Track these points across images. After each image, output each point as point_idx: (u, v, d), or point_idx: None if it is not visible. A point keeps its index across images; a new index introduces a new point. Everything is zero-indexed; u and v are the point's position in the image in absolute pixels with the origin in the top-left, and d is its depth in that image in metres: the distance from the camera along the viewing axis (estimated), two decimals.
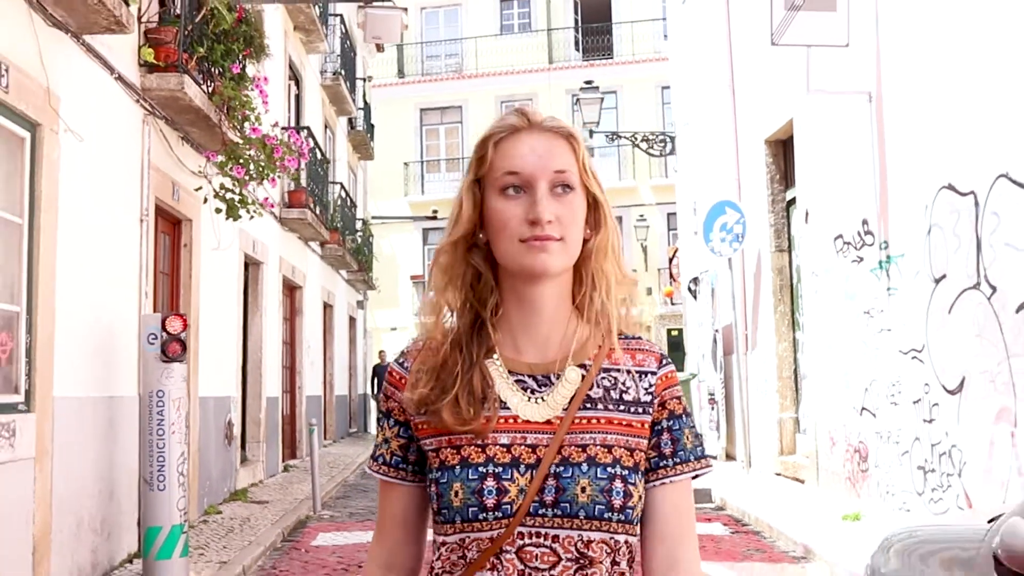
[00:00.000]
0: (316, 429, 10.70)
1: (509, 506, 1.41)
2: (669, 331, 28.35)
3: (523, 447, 1.44)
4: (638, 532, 1.49)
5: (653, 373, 1.53)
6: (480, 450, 1.44)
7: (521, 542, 1.41)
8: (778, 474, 11.55)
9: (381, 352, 23.96)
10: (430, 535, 1.53)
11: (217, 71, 8.75)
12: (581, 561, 1.41)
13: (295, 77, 15.11)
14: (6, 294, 5.85)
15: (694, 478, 1.54)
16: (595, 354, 1.51)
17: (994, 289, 6.78)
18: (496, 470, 1.42)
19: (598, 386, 1.49)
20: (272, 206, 10.69)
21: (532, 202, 1.43)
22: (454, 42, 31.81)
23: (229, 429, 10.75)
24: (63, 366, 6.39)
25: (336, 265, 19.30)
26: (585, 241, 1.50)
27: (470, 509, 1.41)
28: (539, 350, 1.50)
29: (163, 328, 6.98)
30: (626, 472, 1.44)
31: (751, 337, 12.56)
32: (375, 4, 10.35)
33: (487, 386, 1.47)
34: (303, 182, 13.72)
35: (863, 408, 9.18)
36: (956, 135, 7.28)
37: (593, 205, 1.50)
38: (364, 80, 22.28)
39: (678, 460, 1.52)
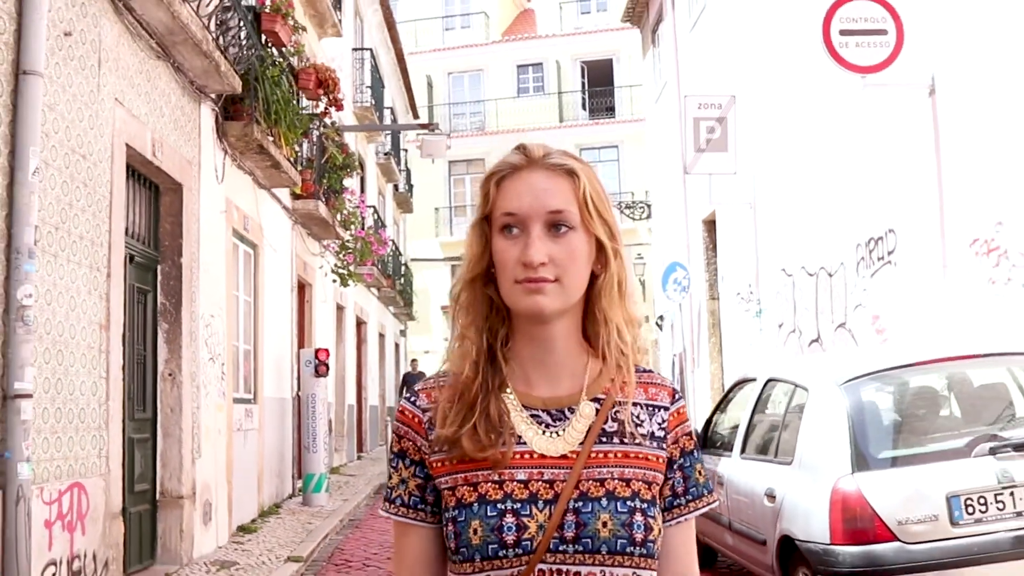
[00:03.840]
0: (390, 422, 15.63)
1: (529, 542, 1.39)
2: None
3: (540, 483, 1.42)
4: (656, 567, 1.46)
5: (666, 408, 1.52)
6: (497, 486, 1.42)
7: None
8: None
9: (414, 361, 27.65)
10: None
11: (333, 192, 13.73)
12: None
13: (361, 164, 20.12)
14: (248, 339, 10.82)
15: (702, 514, 1.53)
16: (608, 388, 1.49)
17: (801, 332, 11.62)
18: (515, 506, 1.40)
19: (613, 420, 1.47)
20: (372, 278, 15.69)
21: (526, 244, 1.41)
22: (477, 103, 36.77)
23: (330, 424, 15.67)
24: (265, 380, 11.34)
25: (387, 303, 24.27)
26: (597, 277, 1.48)
27: (490, 547, 1.39)
28: (551, 385, 1.49)
29: (316, 357, 11.95)
30: (645, 506, 1.43)
31: (696, 360, 17.36)
32: (428, 133, 15.24)
33: (504, 415, 1.45)
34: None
35: None
36: (787, 239, 12.13)
37: (600, 245, 1.47)
38: (405, 151, 27.25)
39: (690, 498, 1.52)
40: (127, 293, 7.35)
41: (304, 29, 10.64)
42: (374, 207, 18.73)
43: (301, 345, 13.37)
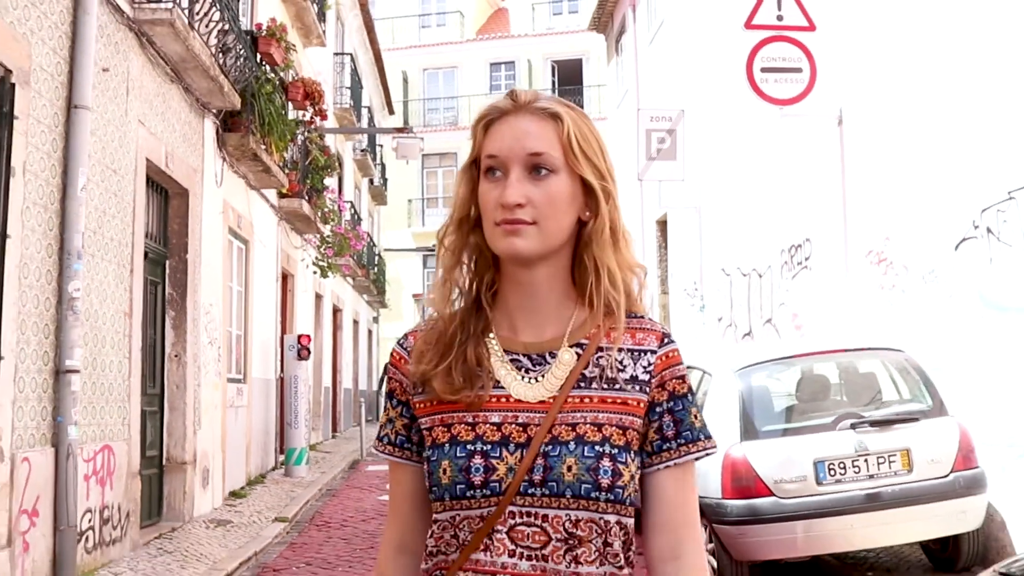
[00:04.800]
0: (364, 403, 16.85)
1: (498, 484, 1.40)
2: None
3: (514, 426, 1.42)
4: (632, 513, 1.44)
5: (653, 352, 1.49)
6: (469, 428, 1.43)
7: (512, 521, 1.40)
8: None
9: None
10: None
11: (315, 190, 14.92)
12: (570, 541, 1.39)
13: (340, 161, 21.26)
14: (238, 325, 12.03)
15: (698, 459, 1.48)
16: (592, 334, 1.47)
17: (736, 326, 12.97)
18: (484, 448, 1.41)
19: (594, 366, 1.46)
20: (349, 270, 16.90)
21: (504, 185, 1.41)
22: (451, 99, 37.90)
23: (309, 404, 16.89)
24: (253, 361, 12.55)
25: (361, 291, 25.46)
26: (586, 224, 1.47)
27: (458, 487, 1.41)
28: (535, 330, 1.48)
29: (298, 342, 13.17)
30: (616, 451, 1.41)
31: None
32: (403, 136, 16.44)
33: (481, 359, 1.46)
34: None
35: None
36: (726, 242, 13.47)
37: (588, 189, 1.44)
38: (380, 147, 28.39)
39: (682, 441, 1.48)
40: (144, 286, 8.55)
41: (295, 48, 11.82)
42: (351, 202, 19.92)
43: (284, 331, 14.56)
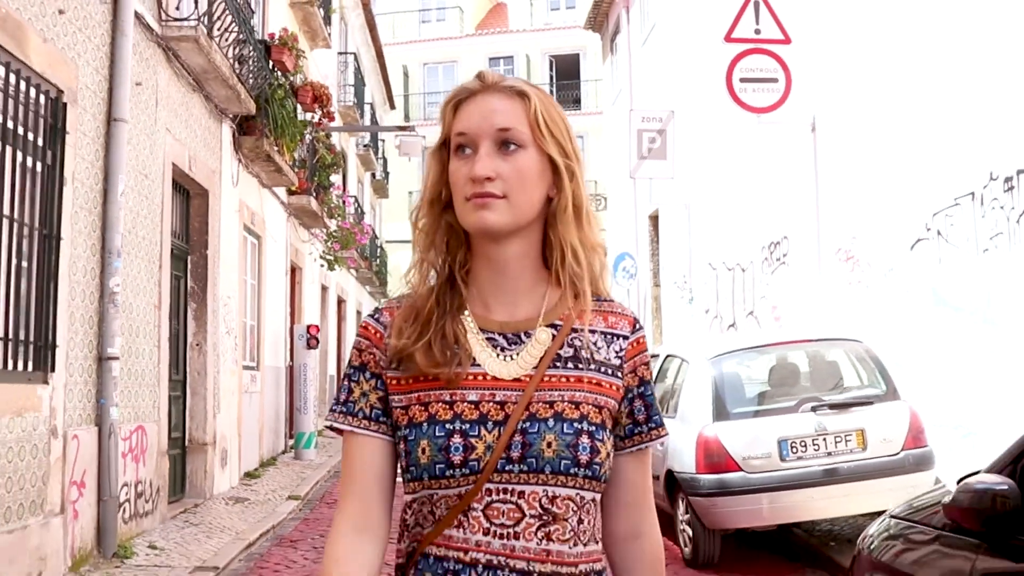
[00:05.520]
0: None
1: (476, 463, 1.40)
2: None
3: (491, 404, 1.43)
4: (602, 491, 1.48)
5: (625, 337, 1.53)
6: (448, 407, 1.43)
7: (489, 499, 1.41)
8: None
9: None
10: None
11: (322, 187, 15.65)
12: (545, 517, 1.41)
13: (344, 156, 21.97)
14: (252, 316, 12.77)
15: (660, 442, 1.55)
16: (566, 315, 1.49)
17: (721, 317, 13.71)
18: (463, 427, 1.42)
19: (568, 346, 1.48)
20: (354, 263, 17.64)
21: (473, 160, 1.44)
22: None
23: (316, 391, 17.63)
24: (265, 350, 13.29)
25: (364, 283, 26.20)
26: (552, 200, 1.48)
27: (437, 466, 1.41)
28: (508, 310, 1.50)
29: (308, 332, 13.92)
30: (593, 428, 1.43)
31: None
32: (406, 134, 17.16)
33: (458, 336, 1.46)
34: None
35: None
36: (713, 237, 14.20)
37: (554, 166, 1.46)
38: (382, 141, 29.10)
39: (652, 425, 1.54)
40: (169, 280, 9.28)
41: (304, 55, 12.53)
42: (355, 197, 20.65)
43: (293, 321, 15.29)
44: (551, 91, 38.45)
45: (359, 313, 25.95)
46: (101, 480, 7.17)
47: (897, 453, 7.06)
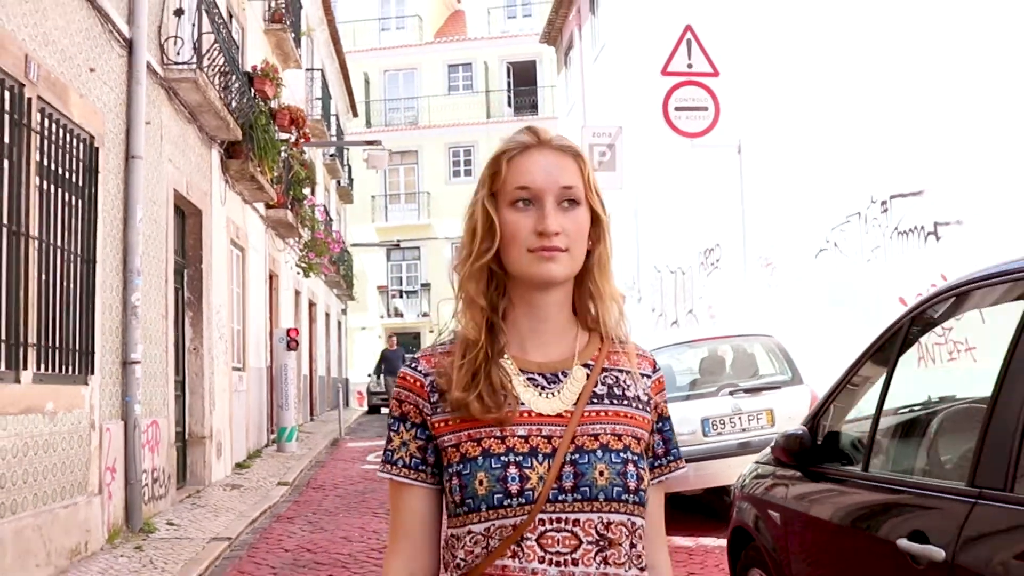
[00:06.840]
0: (340, 389, 18.84)
1: (531, 492, 1.46)
2: None
3: (539, 438, 1.49)
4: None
5: (648, 376, 1.63)
6: (500, 441, 1.49)
7: (542, 528, 1.46)
8: None
9: (391, 338, 30.43)
10: None
11: (296, 200, 16.85)
12: (602, 543, 1.47)
13: (312, 166, 23.15)
14: (238, 321, 13.98)
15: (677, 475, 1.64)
16: (596, 355, 1.59)
17: (665, 316, 15.11)
18: (517, 459, 1.48)
19: (602, 384, 1.57)
20: (328, 270, 18.85)
21: (541, 215, 1.50)
22: (411, 99, 39.76)
23: (296, 389, 18.84)
24: (249, 353, 14.50)
25: (331, 286, 27.38)
26: (591, 252, 1.58)
27: (495, 496, 1.46)
28: (543, 350, 1.58)
29: (287, 335, 15.14)
30: (636, 457, 1.52)
31: None
32: (373, 149, 18.44)
33: (505, 380, 1.53)
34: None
35: None
36: (657, 242, 15.58)
37: (595, 220, 1.57)
38: (347, 149, 30.29)
39: (671, 459, 1.64)
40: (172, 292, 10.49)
41: (284, 84, 13.75)
42: (323, 205, 21.85)
43: (272, 324, 16.50)
44: (508, 97, 39.82)
45: (327, 315, 27.13)
46: (128, 466, 8.39)
47: None
